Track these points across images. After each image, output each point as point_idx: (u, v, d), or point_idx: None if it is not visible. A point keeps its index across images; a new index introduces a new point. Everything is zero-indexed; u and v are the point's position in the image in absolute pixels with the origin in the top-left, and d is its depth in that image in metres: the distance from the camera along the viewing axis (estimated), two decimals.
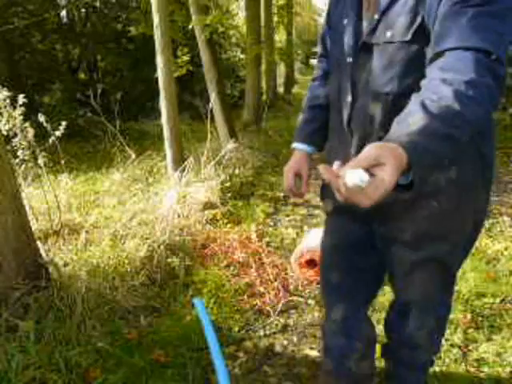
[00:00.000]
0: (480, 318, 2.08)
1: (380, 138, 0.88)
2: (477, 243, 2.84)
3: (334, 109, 1.27)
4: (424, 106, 0.80)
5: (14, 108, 2.68)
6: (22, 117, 2.69)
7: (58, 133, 2.95)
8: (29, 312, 1.91)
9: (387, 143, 0.74)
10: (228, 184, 3.96)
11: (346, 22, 1.16)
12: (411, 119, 0.80)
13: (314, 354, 1.90)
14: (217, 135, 5.37)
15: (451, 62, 0.86)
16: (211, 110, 4.65)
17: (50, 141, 2.98)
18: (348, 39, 1.15)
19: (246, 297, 2.33)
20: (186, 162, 3.74)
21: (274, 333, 2.06)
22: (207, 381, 1.74)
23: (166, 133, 3.81)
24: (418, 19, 0.98)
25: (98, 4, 9.11)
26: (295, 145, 1.38)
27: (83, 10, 10.14)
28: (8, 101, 2.65)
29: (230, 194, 3.81)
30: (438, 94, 0.82)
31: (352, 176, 0.69)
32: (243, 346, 1.96)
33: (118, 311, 2.13)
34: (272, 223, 3.41)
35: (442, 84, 0.83)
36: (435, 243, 1.16)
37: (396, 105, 1.03)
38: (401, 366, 1.50)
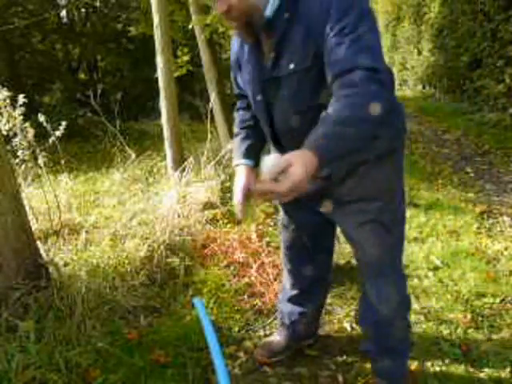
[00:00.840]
0: (480, 318, 2.08)
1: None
2: (477, 243, 2.85)
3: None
4: (326, 118, 1.08)
5: (14, 108, 2.68)
6: (21, 117, 2.69)
7: (58, 133, 2.95)
8: (29, 312, 1.91)
9: (298, 151, 1.02)
10: (228, 184, 3.95)
11: (250, 67, 1.37)
12: (319, 129, 1.06)
13: (313, 353, 1.90)
14: (217, 135, 5.37)
15: (344, 81, 1.10)
16: (211, 110, 4.65)
17: (50, 141, 2.98)
18: (253, 80, 1.37)
19: (246, 297, 2.33)
20: (185, 162, 3.74)
21: (274, 333, 2.06)
22: (207, 381, 1.74)
23: (166, 133, 3.80)
24: (312, 48, 1.18)
25: (97, 4, 9.10)
26: (237, 161, 1.52)
27: (83, 10, 10.15)
28: (8, 101, 2.65)
29: (230, 194, 3.81)
30: (334, 107, 1.08)
31: (266, 163, 1.00)
32: (243, 345, 1.96)
33: (117, 311, 2.13)
34: (272, 223, 3.41)
35: (339, 98, 1.09)
36: (370, 203, 1.40)
37: (312, 118, 1.20)
38: (379, 353, 1.63)
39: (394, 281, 1.53)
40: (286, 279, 1.82)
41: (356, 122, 1.06)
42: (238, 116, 1.62)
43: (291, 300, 1.82)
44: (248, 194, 1.41)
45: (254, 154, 1.52)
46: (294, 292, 1.80)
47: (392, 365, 1.61)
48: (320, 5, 1.15)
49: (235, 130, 1.62)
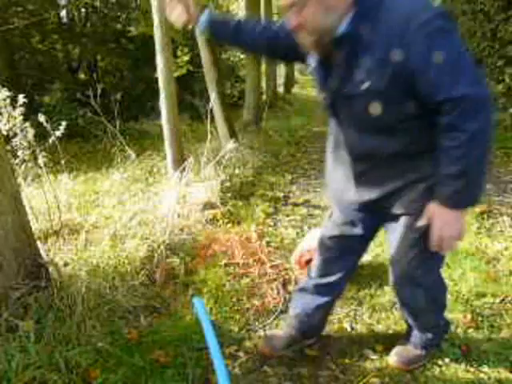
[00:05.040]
0: (480, 318, 2.08)
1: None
2: (477, 243, 2.85)
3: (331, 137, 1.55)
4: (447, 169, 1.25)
5: (14, 108, 2.67)
6: (22, 117, 2.68)
7: (58, 133, 2.95)
8: (29, 312, 1.91)
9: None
10: (228, 184, 3.96)
11: (312, 64, 1.41)
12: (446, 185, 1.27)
13: (313, 353, 1.90)
14: (217, 135, 5.37)
15: (450, 117, 1.19)
16: (211, 110, 4.65)
17: (50, 141, 2.98)
18: (325, 88, 1.39)
19: (245, 297, 2.33)
20: (185, 162, 3.74)
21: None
22: (207, 381, 1.74)
23: (166, 133, 3.80)
24: (389, 70, 1.20)
25: (98, 4, 9.10)
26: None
27: (83, 10, 10.15)
28: (8, 101, 2.65)
29: (229, 194, 3.81)
30: (447, 151, 1.23)
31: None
32: (243, 346, 1.96)
33: (117, 311, 2.13)
34: (272, 223, 3.41)
35: (451, 148, 1.22)
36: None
37: (377, 138, 1.35)
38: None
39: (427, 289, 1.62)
40: (316, 268, 1.80)
41: (479, 163, 1.24)
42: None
43: (315, 289, 1.80)
44: None
45: (219, 23, 1.59)
46: (322, 281, 1.78)
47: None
48: (400, 29, 1.16)
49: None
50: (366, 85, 1.24)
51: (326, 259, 1.77)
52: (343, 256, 1.73)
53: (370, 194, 1.48)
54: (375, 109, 1.27)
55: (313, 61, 1.41)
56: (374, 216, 1.58)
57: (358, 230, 1.64)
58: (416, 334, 1.78)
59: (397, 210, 1.47)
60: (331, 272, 1.75)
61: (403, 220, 1.48)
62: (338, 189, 1.61)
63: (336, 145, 1.53)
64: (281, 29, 1.51)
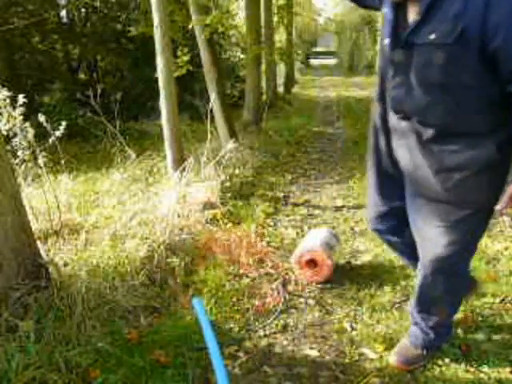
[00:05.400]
0: (480, 318, 2.08)
1: (420, 121, 1.37)
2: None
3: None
4: None
5: (14, 108, 2.67)
6: (21, 117, 2.68)
7: (58, 133, 2.95)
8: (29, 312, 1.91)
9: None
10: (228, 184, 3.95)
11: (386, 11, 1.40)
12: None
13: (313, 353, 1.90)
14: (217, 135, 5.37)
15: None
16: (211, 110, 4.64)
17: (50, 141, 2.98)
18: (389, 30, 1.37)
19: (245, 297, 2.33)
20: (185, 162, 3.73)
21: (274, 333, 2.06)
22: (207, 381, 1.74)
23: (166, 133, 3.80)
24: (459, 27, 1.17)
25: (98, 4, 9.10)
26: None
27: (83, 10, 10.14)
28: (8, 101, 2.65)
29: (229, 194, 3.81)
30: None
31: None
32: (243, 345, 1.96)
33: (117, 311, 2.13)
34: (272, 223, 3.41)
35: None
36: (454, 208, 1.45)
37: (433, 98, 1.31)
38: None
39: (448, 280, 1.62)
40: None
41: None
42: None
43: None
44: None
45: None
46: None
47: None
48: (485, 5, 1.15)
49: None
50: (433, 35, 1.23)
51: None
52: None
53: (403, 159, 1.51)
54: (437, 62, 1.25)
55: (387, 5, 1.40)
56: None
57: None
58: (418, 335, 1.78)
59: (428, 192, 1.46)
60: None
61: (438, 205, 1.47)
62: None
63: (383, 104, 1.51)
64: None
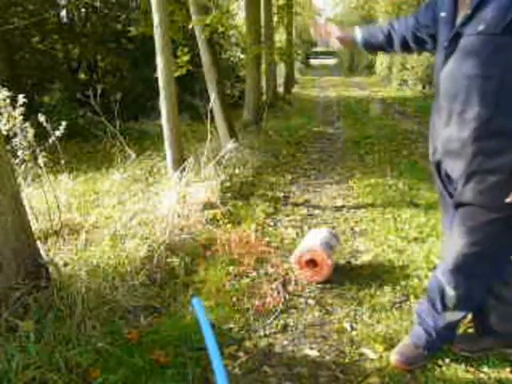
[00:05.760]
0: None
1: (459, 113, 1.42)
2: None
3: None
4: None
5: (14, 108, 2.67)
6: (21, 117, 2.69)
7: (58, 133, 2.95)
8: (29, 312, 1.91)
9: None
10: (228, 184, 3.96)
11: (443, 14, 1.49)
12: None
13: (313, 353, 1.90)
14: (217, 135, 5.37)
15: None
16: (211, 110, 4.64)
17: (50, 141, 2.98)
18: (444, 29, 1.47)
19: (245, 297, 2.33)
20: (185, 162, 3.74)
21: (274, 333, 2.06)
22: (207, 381, 1.74)
23: (166, 133, 3.80)
24: (508, 18, 1.26)
25: (98, 4, 9.10)
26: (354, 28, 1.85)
27: (83, 10, 10.15)
28: (8, 101, 2.65)
29: (229, 194, 3.81)
30: None
31: None
32: (243, 345, 1.96)
33: (117, 311, 2.13)
34: (272, 223, 3.41)
35: None
36: (484, 212, 1.47)
37: (477, 87, 1.36)
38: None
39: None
40: None
41: None
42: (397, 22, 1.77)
43: None
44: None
45: (367, 34, 1.80)
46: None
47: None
48: None
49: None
50: (482, 27, 1.31)
51: None
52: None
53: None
54: (483, 51, 1.33)
55: (444, 8, 1.49)
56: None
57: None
58: (421, 335, 1.78)
59: (462, 196, 1.50)
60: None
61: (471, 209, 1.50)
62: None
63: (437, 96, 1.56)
64: (416, 16, 1.70)
